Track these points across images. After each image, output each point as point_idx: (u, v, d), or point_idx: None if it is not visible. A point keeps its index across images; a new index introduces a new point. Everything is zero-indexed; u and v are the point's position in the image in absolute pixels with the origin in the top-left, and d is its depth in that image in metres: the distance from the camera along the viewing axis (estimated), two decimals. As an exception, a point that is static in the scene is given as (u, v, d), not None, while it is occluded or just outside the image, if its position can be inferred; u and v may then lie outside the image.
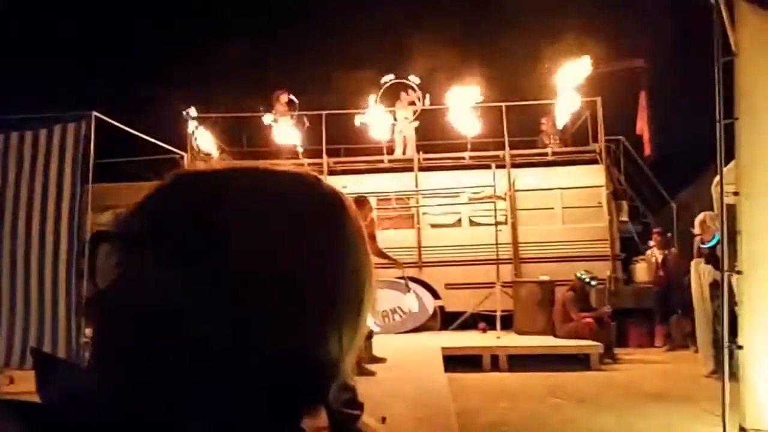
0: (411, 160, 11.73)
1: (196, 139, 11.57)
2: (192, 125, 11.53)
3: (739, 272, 3.68)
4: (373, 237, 6.65)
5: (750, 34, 3.90)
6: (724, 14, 4.00)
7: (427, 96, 12.10)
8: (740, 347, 3.66)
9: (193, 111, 11.39)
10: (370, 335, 6.67)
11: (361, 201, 6.49)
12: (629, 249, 11.84)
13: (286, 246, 0.55)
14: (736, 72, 3.88)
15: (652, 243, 10.50)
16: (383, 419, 3.50)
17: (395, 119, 12.24)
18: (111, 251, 0.57)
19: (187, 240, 0.54)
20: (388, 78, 12.31)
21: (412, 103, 12.29)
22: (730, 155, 3.97)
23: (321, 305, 0.55)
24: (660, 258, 10.09)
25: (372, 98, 12.02)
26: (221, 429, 0.52)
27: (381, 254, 6.72)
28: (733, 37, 3.94)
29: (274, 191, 0.58)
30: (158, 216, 0.57)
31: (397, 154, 12.01)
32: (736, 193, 3.75)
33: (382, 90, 12.29)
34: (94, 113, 7.80)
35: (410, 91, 12.32)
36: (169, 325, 0.52)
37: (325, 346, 0.55)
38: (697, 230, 7.76)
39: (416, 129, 12.22)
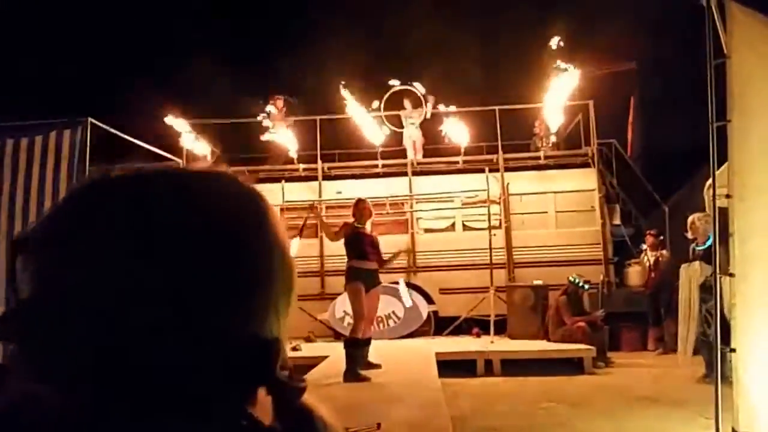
0: (405, 165, 11.78)
1: (183, 143, 11.58)
2: (184, 131, 11.53)
3: (731, 275, 3.69)
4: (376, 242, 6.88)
5: (742, 36, 3.94)
6: (716, 16, 4.04)
7: (431, 99, 12.14)
8: (733, 350, 3.65)
9: (177, 120, 11.35)
10: (367, 341, 6.68)
11: (357, 201, 7.05)
12: (622, 252, 11.91)
13: (214, 238, 0.56)
14: (728, 74, 3.89)
15: (645, 246, 10.55)
16: (378, 425, 3.49)
17: (403, 125, 12.28)
18: (30, 256, 0.56)
19: (112, 238, 0.54)
20: (395, 83, 12.33)
21: (418, 106, 12.32)
22: (722, 157, 3.99)
23: (256, 287, 0.58)
24: (652, 260, 10.14)
25: (375, 103, 12.03)
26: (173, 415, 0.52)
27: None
28: (725, 39, 3.97)
29: (196, 189, 0.60)
30: (80, 217, 0.57)
31: (410, 158, 12.04)
32: (728, 196, 3.76)
33: (388, 94, 12.31)
34: (90, 119, 7.80)
35: (414, 98, 12.36)
36: (107, 323, 0.52)
37: (266, 323, 0.59)
38: (690, 234, 7.80)
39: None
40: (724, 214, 3.91)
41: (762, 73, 3.86)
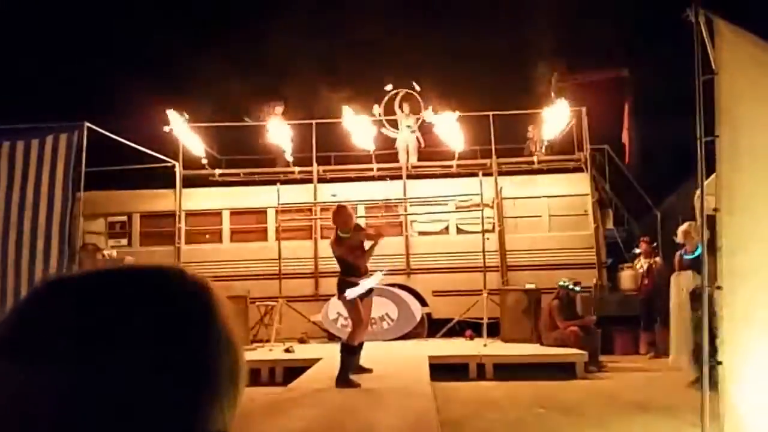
0: (400, 168, 11.85)
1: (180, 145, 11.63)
2: (181, 134, 11.58)
3: (719, 287, 3.75)
4: (360, 244, 6.69)
5: (729, 53, 4.00)
6: (704, 32, 4.11)
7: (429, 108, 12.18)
8: (719, 363, 3.69)
9: (173, 123, 11.37)
10: (360, 346, 6.72)
11: (339, 208, 6.65)
12: (614, 257, 12.02)
13: (158, 339, 0.59)
14: (716, 90, 3.95)
15: (638, 251, 10.63)
16: None
17: (398, 129, 12.34)
18: None
19: (58, 345, 0.57)
20: (389, 88, 12.39)
21: (415, 110, 12.39)
22: (712, 170, 4.06)
23: (200, 384, 0.61)
24: (645, 266, 10.23)
25: (376, 109, 12.07)
26: None
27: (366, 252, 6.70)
28: (713, 55, 4.04)
29: (141, 290, 0.62)
30: (28, 323, 0.59)
31: (402, 162, 12.09)
32: (716, 210, 3.82)
33: (387, 98, 12.37)
34: (87, 124, 7.85)
35: (412, 102, 12.41)
36: (51, 427, 0.55)
37: (211, 418, 0.61)
38: (680, 239, 7.91)
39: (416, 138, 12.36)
40: (713, 224, 3.97)
41: (749, 89, 3.94)
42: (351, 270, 6.54)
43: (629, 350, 10.60)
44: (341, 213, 6.58)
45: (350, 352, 6.53)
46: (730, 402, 3.67)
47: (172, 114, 11.30)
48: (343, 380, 6.34)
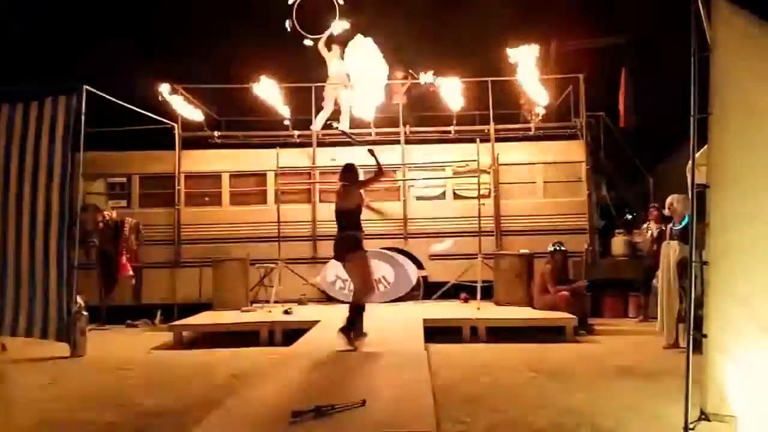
0: (398, 133, 11.92)
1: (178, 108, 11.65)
2: (180, 96, 11.60)
3: (705, 263, 3.84)
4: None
5: (726, 31, 4.06)
6: (702, 10, 4.16)
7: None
8: (704, 336, 3.79)
9: (166, 87, 11.38)
10: (362, 308, 6.92)
11: (351, 165, 7.13)
12: (607, 223, 12.22)
13: None
14: (711, 68, 4.02)
15: (650, 218, 10.57)
16: (363, 402, 3.67)
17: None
18: None
19: None
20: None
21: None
22: (704, 142, 4.14)
23: None
24: (656, 232, 10.26)
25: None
26: None
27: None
28: (710, 33, 4.10)
29: None
30: None
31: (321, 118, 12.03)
32: (706, 186, 3.92)
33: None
34: (86, 86, 7.89)
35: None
36: None
37: None
38: (666, 211, 8.13)
39: (404, 104, 12.34)
40: (702, 195, 4.07)
41: (743, 68, 3.99)
42: (360, 225, 6.87)
43: (618, 313, 10.93)
44: (355, 169, 7.11)
45: (360, 310, 6.81)
46: (714, 373, 3.78)
47: (164, 88, 11.31)
48: (351, 332, 6.62)
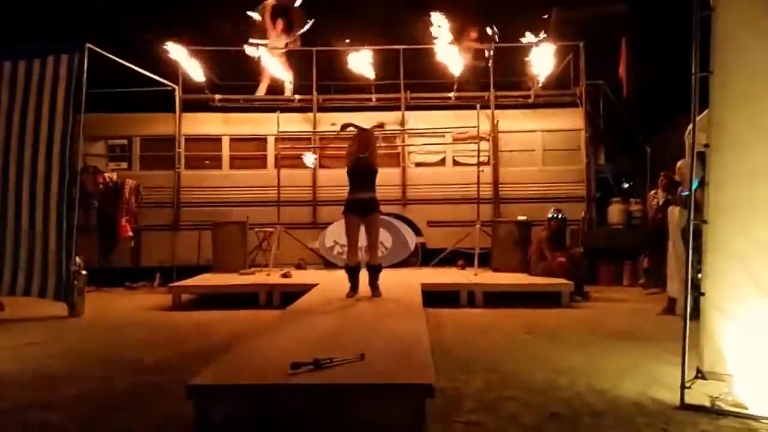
0: (398, 99, 11.90)
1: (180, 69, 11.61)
2: (181, 58, 11.54)
3: (704, 222, 3.88)
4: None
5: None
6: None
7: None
8: (702, 294, 3.84)
9: (174, 47, 11.34)
10: (379, 267, 7.26)
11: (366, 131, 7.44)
12: (605, 191, 12.25)
13: None
14: (712, 26, 4.01)
15: (659, 186, 10.51)
16: (362, 356, 3.70)
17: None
18: None
19: None
20: None
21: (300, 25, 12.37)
22: (704, 106, 4.16)
23: None
24: (662, 200, 10.23)
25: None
26: None
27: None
28: (711, -9, 4.09)
29: None
30: None
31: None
32: (706, 146, 3.95)
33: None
34: (88, 45, 7.84)
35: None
36: None
37: None
38: (677, 177, 8.11)
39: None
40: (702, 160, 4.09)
41: (746, 27, 3.99)
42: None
43: (614, 281, 11.03)
44: (369, 133, 7.47)
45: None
46: (710, 332, 3.83)
47: (171, 46, 11.27)
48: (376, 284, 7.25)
